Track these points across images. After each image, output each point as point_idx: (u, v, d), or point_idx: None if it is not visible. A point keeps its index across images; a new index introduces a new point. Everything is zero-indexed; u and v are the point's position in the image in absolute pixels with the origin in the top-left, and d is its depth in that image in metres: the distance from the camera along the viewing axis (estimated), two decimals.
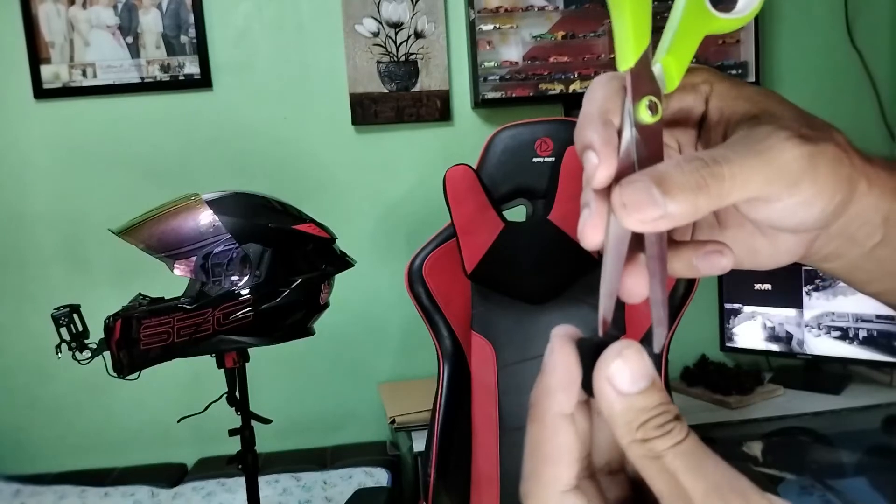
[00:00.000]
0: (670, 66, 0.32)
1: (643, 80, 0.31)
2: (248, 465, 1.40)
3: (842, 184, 0.32)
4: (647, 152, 0.30)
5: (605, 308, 0.32)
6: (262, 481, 1.86)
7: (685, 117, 0.35)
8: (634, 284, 0.32)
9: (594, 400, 0.28)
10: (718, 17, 0.32)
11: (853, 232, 0.35)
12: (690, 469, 0.26)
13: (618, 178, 0.30)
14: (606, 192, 0.30)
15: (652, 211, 0.28)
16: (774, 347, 2.17)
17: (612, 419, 0.27)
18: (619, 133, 0.31)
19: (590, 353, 0.28)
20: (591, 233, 0.31)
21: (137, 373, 1.26)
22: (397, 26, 2.15)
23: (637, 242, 0.31)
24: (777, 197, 0.30)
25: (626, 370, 0.27)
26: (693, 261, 0.34)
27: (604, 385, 0.27)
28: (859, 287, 0.41)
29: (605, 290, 0.31)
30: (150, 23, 2.11)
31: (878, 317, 2.00)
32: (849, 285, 0.41)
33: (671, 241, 0.35)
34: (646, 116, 0.30)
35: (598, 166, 0.30)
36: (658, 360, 0.31)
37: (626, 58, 0.31)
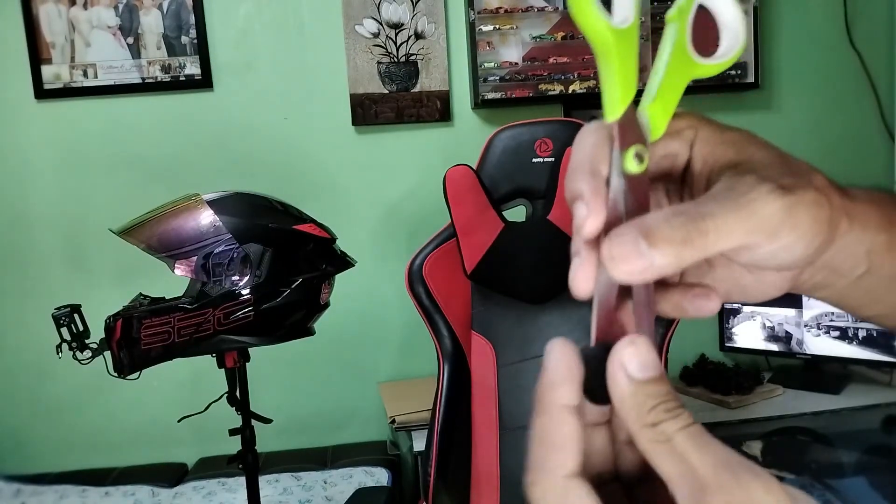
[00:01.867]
0: (656, 114, 0.33)
1: (630, 131, 0.32)
2: (249, 464, 1.40)
3: (821, 226, 0.33)
4: (635, 201, 0.31)
5: None
6: (263, 481, 1.87)
7: (670, 164, 0.37)
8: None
9: (590, 405, 0.31)
10: (702, 63, 0.33)
11: (838, 265, 0.37)
12: (699, 448, 0.28)
13: (606, 227, 0.31)
14: (596, 241, 0.31)
15: (638, 263, 0.29)
16: (774, 347, 2.17)
17: (623, 404, 0.29)
18: (608, 182, 0.32)
19: (589, 358, 0.30)
20: (581, 282, 0.32)
21: (138, 372, 1.26)
22: (397, 27, 2.16)
23: (625, 289, 0.32)
24: (758, 245, 0.32)
25: (637, 357, 0.29)
26: (681, 303, 0.36)
27: (617, 371, 0.29)
28: (852, 312, 0.43)
29: (594, 336, 0.32)
30: (151, 23, 2.11)
31: None
32: (842, 310, 0.43)
33: (661, 283, 0.36)
34: (632, 166, 0.31)
35: (588, 217, 0.31)
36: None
37: (614, 108, 0.31)
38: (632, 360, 0.29)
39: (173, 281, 1.26)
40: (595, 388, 0.30)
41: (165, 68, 2.12)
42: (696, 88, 2.21)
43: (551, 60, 2.17)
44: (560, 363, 0.30)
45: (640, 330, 0.32)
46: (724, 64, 0.34)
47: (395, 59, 2.17)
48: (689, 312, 0.35)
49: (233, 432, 1.38)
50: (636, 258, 0.29)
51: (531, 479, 0.30)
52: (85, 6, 2.09)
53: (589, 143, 0.33)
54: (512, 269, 1.49)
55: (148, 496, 1.95)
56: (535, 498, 0.30)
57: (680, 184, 0.37)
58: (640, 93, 0.32)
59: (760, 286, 0.38)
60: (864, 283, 0.38)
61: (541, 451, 0.30)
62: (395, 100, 2.18)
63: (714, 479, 0.27)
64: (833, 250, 0.35)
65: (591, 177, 0.32)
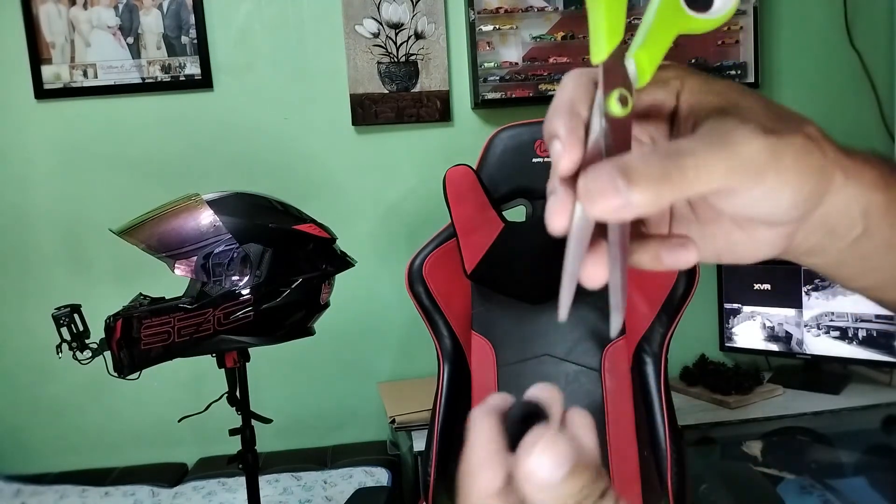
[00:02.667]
0: (642, 61, 0.32)
1: (615, 74, 0.31)
2: (249, 464, 1.40)
3: (811, 175, 0.32)
4: (616, 144, 0.31)
5: (567, 292, 0.32)
6: (263, 481, 1.87)
7: (657, 112, 0.36)
8: (594, 270, 0.32)
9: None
10: (694, 16, 0.32)
11: (833, 224, 0.35)
12: None
13: (586, 168, 0.30)
14: (572, 180, 0.31)
15: (615, 199, 0.28)
16: (774, 347, 2.17)
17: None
18: (588, 126, 0.32)
19: (519, 420, 0.29)
20: (556, 218, 0.31)
21: (138, 373, 1.26)
22: (397, 27, 2.15)
23: (600, 230, 0.32)
24: (741, 188, 0.31)
25: (544, 460, 0.27)
26: (659, 253, 0.34)
27: (526, 482, 0.27)
28: (845, 283, 0.41)
29: (567, 274, 0.32)
30: (151, 23, 2.11)
31: (878, 317, 2.00)
32: (834, 281, 0.41)
33: (644, 234, 0.35)
34: (616, 109, 0.31)
35: (563, 154, 0.30)
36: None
37: (599, 51, 0.31)
38: (539, 466, 0.27)
39: (173, 281, 1.26)
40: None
41: (165, 68, 2.12)
42: None
43: (551, 60, 2.17)
44: (479, 442, 0.28)
45: (613, 270, 0.32)
46: (717, 21, 0.33)
47: (395, 59, 2.17)
48: (666, 262, 0.34)
49: (233, 432, 1.38)
50: (613, 194, 0.28)
51: None
52: (85, 6, 2.09)
53: (571, 86, 0.33)
54: (512, 269, 1.49)
55: (148, 496, 1.95)
56: None
57: (667, 133, 0.36)
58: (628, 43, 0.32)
59: (751, 244, 0.36)
60: (859, 247, 0.36)
61: None
62: (395, 100, 2.18)
63: None
64: (827, 206, 0.34)
65: (568, 116, 0.31)
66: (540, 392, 0.31)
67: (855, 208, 0.35)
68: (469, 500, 0.28)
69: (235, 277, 1.24)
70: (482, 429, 0.29)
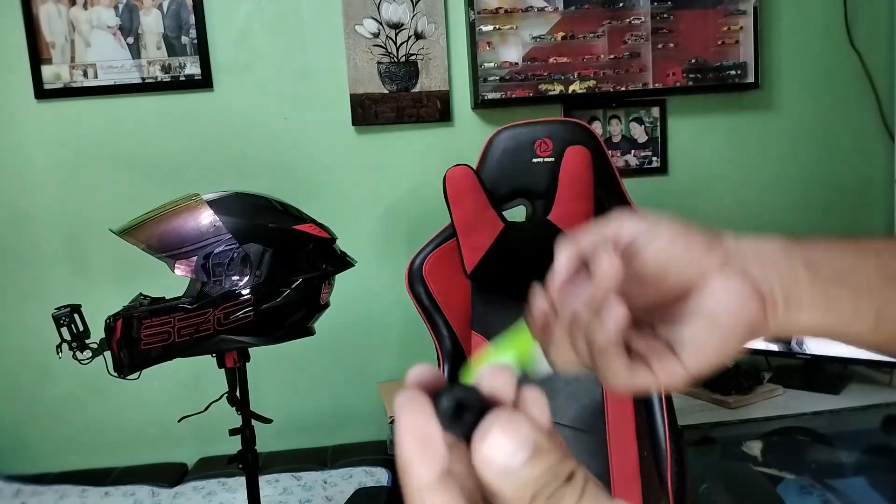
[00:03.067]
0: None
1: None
2: (249, 464, 1.40)
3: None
4: None
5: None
6: (263, 481, 1.86)
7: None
8: None
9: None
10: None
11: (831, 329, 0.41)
12: None
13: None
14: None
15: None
16: (774, 347, 2.17)
17: (503, 499, 0.25)
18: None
19: (453, 402, 0.26)
20: None
21: (138, 372, 1.26)
22: (397, 27, 2.15)
23: None
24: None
25: (502, 445, 0.25)
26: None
27: (484, 468, 0.25)
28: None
29: None
30: (151, 23, 2.11)
31: None
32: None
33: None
34: None
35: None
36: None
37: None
38: (497, 451, 0.25)
39: (173, 281, 1.26)
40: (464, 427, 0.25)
41: (165, 68, 2.12)
42: (696, 89, 2.22)
43: (551, 60, 2.17)
44: (409, 433, 0.25)
45: None
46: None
47: (395, 59, 2.16)
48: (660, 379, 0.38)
49: (233, 432, 1.38)
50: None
51: None
52: (85, 6, 2.09)
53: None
54: (512, 270, 1.49)
55: (148, 496, 1.95)
56: None
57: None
58: None
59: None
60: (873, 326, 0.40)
61: None
62: (395, 100, 2.18)
63: None
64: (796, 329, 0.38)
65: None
66: (489, 377, 0.28)
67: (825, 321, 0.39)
68: (411, 497, 0.25)
69: (235, 277, 1.24)
70: (411, 412, 0.25)
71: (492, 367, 0.28)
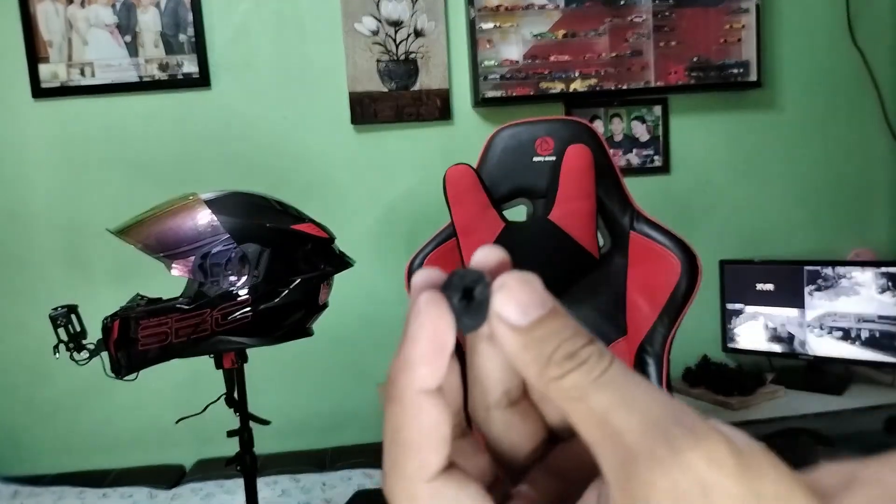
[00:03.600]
0: None
1: None
2: (247, 466, 1.39)
3: None
4: None
5: None
6: (261, 483, 1.85)
7: None
8: None
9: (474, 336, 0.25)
10: None
11: None
12: (622, 404, 0.21)
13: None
14: None
15: None
16: (776, 348, 2.16)
17: (518, 364, 0.23)
18: None
19: (460, 292, 0.24)
20: None
21: (136, 374, 1.25)
22: (397, 25, 2.14)
23: None
24: None
25: (511, 301, 0.23)
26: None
27: (497, 325, 0.23)
28: None
29: None
30: (149, 21, 2.10)
31: (880, 317, 1.99)
32: None
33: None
34: None
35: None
36: None
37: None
38: (506, 306, 0.23)
39: (171, 281, 1.25)
40: (471, 327, 0.24)
41: (163, 66, 2.11)
42: (698, 87, 2.21)
43: (552, 58, 2.16)
44: (425, 334, 0.24)
45: None
46: None
47: (395, 58, 2.15)
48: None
49: (231, 434, 1.37)
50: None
51: (386, 489, 0.24)
52: (82, 4, 2.07)
53: None
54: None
55: (146, 498, 1.94)
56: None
57: None
58: None
59: None
60: None
61: (395, 451, 0.24)
62: (395, 98, 2.16)
63: (644, 447, 0.20)
64: None
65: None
66: (483, 256, 0.25)
67: None
68: (401, 399, 0.24)
69: (233, 278, 1.23)
70: (429, 314, 0.24)
71: (486, 250, 0.26)
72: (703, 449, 0.20)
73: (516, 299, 0.23)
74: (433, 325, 0.24)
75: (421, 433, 0.24)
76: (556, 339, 0.23)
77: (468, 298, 0.24)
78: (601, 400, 0.21)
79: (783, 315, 2.14)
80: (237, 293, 1.22)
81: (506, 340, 0.23)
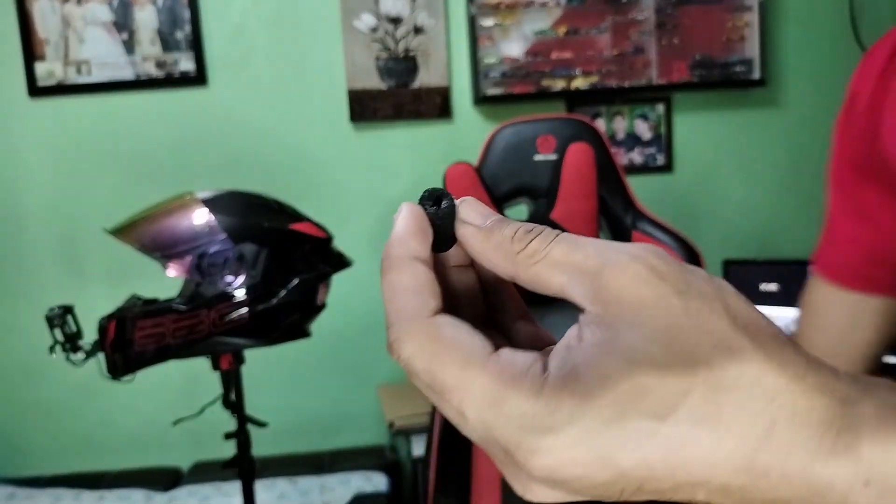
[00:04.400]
0: None
1: None
2: (245, 469, 1.39)
3: None
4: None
5: None
6: (259, 485, 1.84)
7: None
8: None
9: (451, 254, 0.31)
10: None
11: None
12: (577, 247, 0.27)
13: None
14: None
15: None
16: None
17: (486, 252, 0.29)
18: None
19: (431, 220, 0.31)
20: None
21: (132, 375, 1.25)
22: (396, 21, 2.12)
23: None
24: None
25: (473, 210, 0.30)
26: None
27: (463, 229, 0.29)
28: None
29: None
30: (146, 19, 2.08)
31: None
32: None
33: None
34: None
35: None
36: None
37: None
38: (470, 213, 0.29)
39: (168, 282, 1.24)
40: (441, 242, 0.30)
41: (160, 64, 2.09)
42: (701, 85, 2.19)
43: (553, 55, 2.14)
44: (410, 220, 0.30)
45: None
46: None
47: (394, 55, 2.14)
48: None
49: (228, 436, 1.37)
50: None
51: (393, 336, 0.27)
52: (79, 2, 2.06)
53: None
54: None
55: (142, 500, 1.94)
56: (406, 354, 0.27)
57: None
58: None
59: None
60: None
61: (396, 302, 0.28)
62: (394, 96, 2.15)
63: (602, 262, 0.26)
64: None
65: None
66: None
67: None
68: (399, 266, 0.29)
69: (230, 278, 1.22)
70: (409, 208, 0.30)
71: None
72: (642, 248, 0.26)
73: (476, 210, 0.30)
74: (414, 215, 0.30)
75: (419, 283, 0.28)
76: (514, 226, 0.28)
77: (438, 206, 0.31)
78: (560, 251, 0.27)
79: (787, 315, 2.12)
80: (234, 294, 1.22)
81: (473, 239, 0.29)
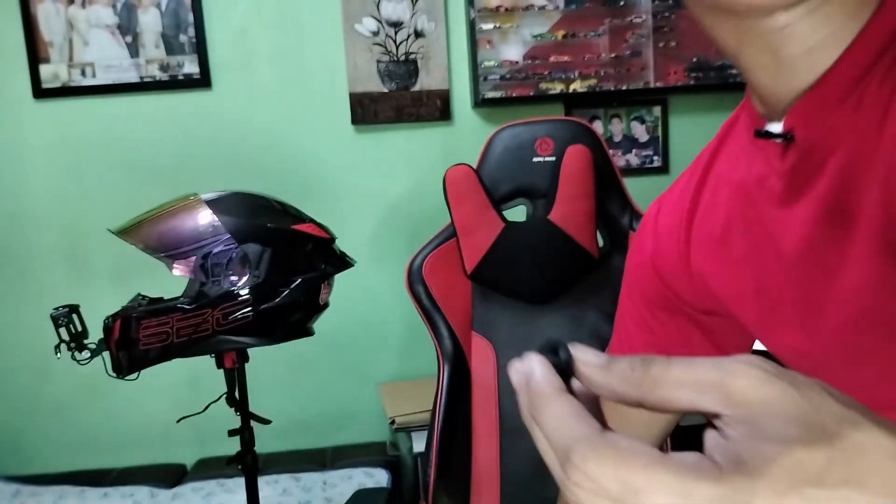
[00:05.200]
0: None
1: None
2: (248, 465, 1.40)
3: None
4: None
5: None
6: (262, 482, 1.86)
7: None
8: None
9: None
10: None
11: None
12: (688, 364, 0.30)
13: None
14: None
15: None
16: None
17: (609, 387, 0.32)
18: None
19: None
20: None
21: (137, 373, 1.26)
22: (397, 25, 2.15)
23: None
24: None
25: (587, 352, 0.33)
26: None
27: (584, 368, 0.33)
28: None
29: None
30: (150, 22, 2.10)
31: None
32: None
33: None
34: None
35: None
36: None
37: None
38: (587, 355, 0.33)
39: (172, 281, 1.26)
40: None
41: (164, 67, 2.12)
42: (697, 88, 2.21)
43: (552, 59, 2.16)
44: (542, 365, 0.33)
45: None
46: None
47: (395, 58, 2.16)
48: None
49: (232, 433, 1.38)
50: None
51: (578, 457, 0.29)
52: (83, 5, 2.08)
53: None
54: (512, 269, 1.48)
55: (147, 497, 1.95)
56: (593, 468, 0.29)
57: None
58: None
59: None
60: None
61: (569, 428, 0.30)
62: (395, 99, 2.17)
63: (723, 372, 0.29)
64: None
65: None
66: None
67: None
68: (548, 406, 0.32)
69: (234, 277, 1.23)
70: (537, 363, 0.34)
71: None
72: (747, 357, 0.30)
73: (590, 351, 0.33)
74: (543, 362, 0.34)
75: (579, 409, 0.31)
76: (628, 360, 0.32)
77: (556, 354, 0.35)
78: (679, 370, 0.30)
79: None
80: (238, 293, 1.23)
81: (596, 377, 0.33)
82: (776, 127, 0.48)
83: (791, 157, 0.47)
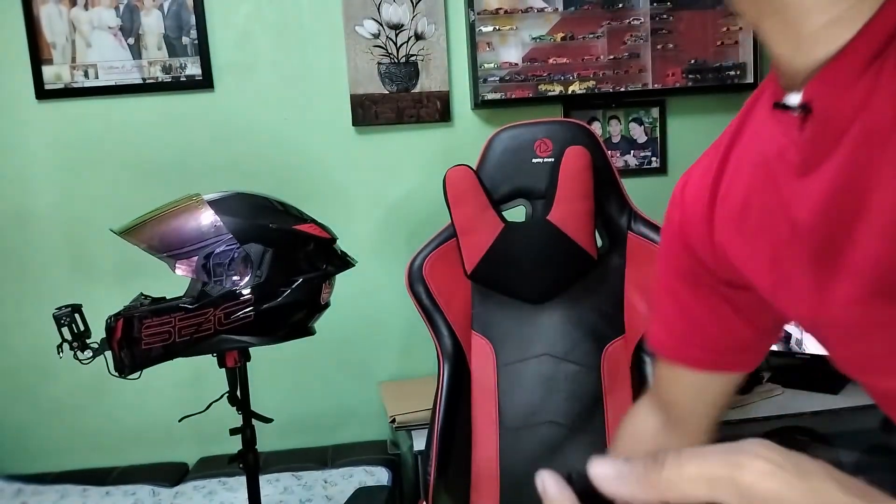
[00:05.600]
0: None
1: None
2: (250, 463, 1.41)
3: None
4: None
5: None
6: (263, 480, 1.87)
7: None
8: None
9: None
10: None
11: None
12: (700, 457, 0.33)
13: None
14: None
15: None
16: (773, 347, 2.17)
17: (630, 492, 0.34)
18: None
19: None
20: None
21: (139, 372, 1.27)
22: (398, 28, 2.16)
23: None
24: None
25: (602, 464, 0.35)
26: None
27: (600, 481, 0.35)
28: None
29: None
30: (152, 24, 2.11)
31: None
32: None
33: None
34: None
35: None
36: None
37: None
38: (602, 466, 0.35)
39: (174, 281, 1.26)
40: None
41: (166, 69, 2.13)
42: (695, 89, 2.22)
43: (551, 61, 2.17)
44: (556, 485, 0.37)
45: None
46: None
47: (396, 60, 2.17)
48: None
49: (233, 432, 1.39)
50: None
51: None
52: (86, 7, 2.09)
53: None
54: (512, 269, 1.49)
55: (149, 496, 1.95)
56: None
57: None
58: None
59: None
60: None
61: None
62: (396, 100, 2.18)
63: (731, 465, 0.32)
64: None
65: None
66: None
67: None
68: None
69: (236, 277, 1.24)
70: (553, 483, 0.37)
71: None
72: (755, 445, 0.33)
73: (605, 462, 0.36)
74: (558, 480, 0.37)
75: None
76: (641, 461, 0.34)
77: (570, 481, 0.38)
78: (692, 467, 0.33)
79: None
80: (240, 293, 1.24)
81: (615, 485, 0.35)
82: (795, 98, 0.48)
83: (809, 129, 0.47)
